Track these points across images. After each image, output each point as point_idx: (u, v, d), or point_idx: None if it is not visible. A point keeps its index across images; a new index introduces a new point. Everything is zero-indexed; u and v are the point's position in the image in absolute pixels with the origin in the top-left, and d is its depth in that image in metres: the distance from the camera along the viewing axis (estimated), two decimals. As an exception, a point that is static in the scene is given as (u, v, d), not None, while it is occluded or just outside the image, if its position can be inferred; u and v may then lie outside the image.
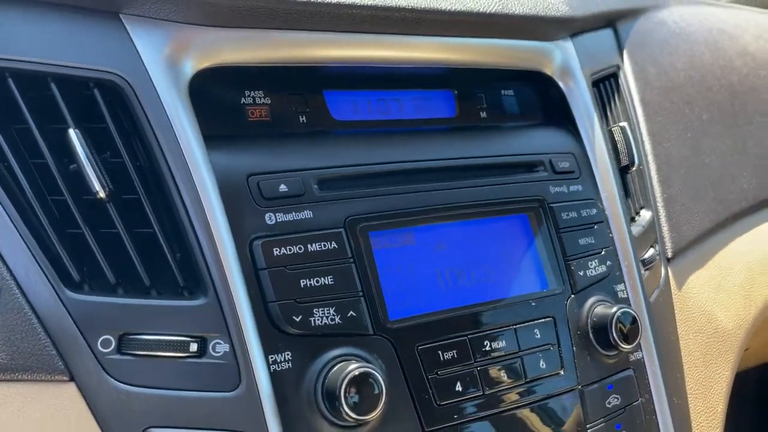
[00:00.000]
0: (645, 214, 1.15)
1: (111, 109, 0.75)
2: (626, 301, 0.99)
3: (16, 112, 0.72)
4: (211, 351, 0.72)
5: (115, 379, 0.70)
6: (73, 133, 0.72)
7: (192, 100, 0.77)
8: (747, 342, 1.27)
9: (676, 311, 1.13)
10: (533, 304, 0.90)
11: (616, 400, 0.93)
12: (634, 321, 0.93)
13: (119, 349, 0.71)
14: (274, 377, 0.73)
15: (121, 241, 0.73)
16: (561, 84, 1.04)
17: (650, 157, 1.22)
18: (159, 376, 0.71)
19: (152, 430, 0.70)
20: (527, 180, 0.97)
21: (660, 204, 1.19)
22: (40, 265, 0.70)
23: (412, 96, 0.96)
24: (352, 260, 0.80)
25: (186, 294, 0.74)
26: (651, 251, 1.10)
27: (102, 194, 0.73)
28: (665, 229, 1.18)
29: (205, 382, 0.71)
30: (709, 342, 1.16)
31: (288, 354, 0.74)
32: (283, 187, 0.79)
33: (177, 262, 0.74)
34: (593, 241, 0.99)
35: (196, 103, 0.77)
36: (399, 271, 0.84)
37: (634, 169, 1.13)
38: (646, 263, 1.07)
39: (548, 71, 1.04)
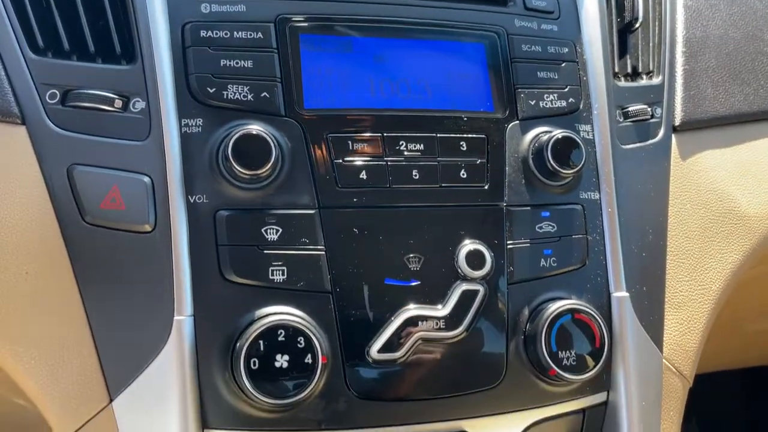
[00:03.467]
0: (654, 80, 1.08)
1: None
2: (590, 143, 0.95)
3: None
4: (131, 107, 0.83)
5: (55, 125, 0.83)
6: None
7: None
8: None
9: (673, 178, 1.05)
10: (465, 119, 0.90)
11: (550, 227, 0.89)
12: (576, 145, 0.89)
13: (62, 102, 0.84)
14: (184, 137, 0.82)
15: (77, 15, 0.86)
16: None
17: (680, 28, 1.14)
18: (88, 124, 0.82)
19: (77, 166, 0.81)
20: (491, 11, 0.96)
21: (679, 73, 1.11)
22: (13, 31, 0.85)
23: None
24: (275, 50, 0.86)
25: (123, 62, 0.85)
26: (641, 106, 1.03)
27: None
28: (679, 97, 1.10)
29: (122, 132, 0.82)
30: (714, 219, 1.06)
31: (199, 120, 0.83)
32: None
33: (117, 36, 0.86)
34: (556, 77, 0.96)
35: None
36: (326, 71, 0.88)
37: (637, 26, 1.07)
38: (629, 115, 1.01)
39: None
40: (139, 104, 0.83)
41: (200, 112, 0.83)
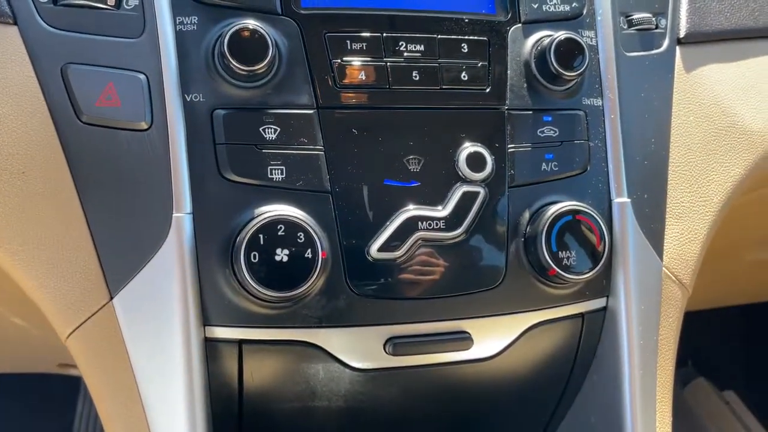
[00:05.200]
0: (658, -8, 1.06)
1: None
2: (593, 49, 0.93)
3: None
4: (124, 4, 0.81)
5: (47, 24, 0.81)
6: None
7: None
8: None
9: (677, 90, 1.03)
10: (467, 20, 0.88)
11: (551, 131, 0.88)
12: (579, 47, 0.87)
13: (54, 1, 0.82)
14: (179, 35, 0.80)
15: None
16: None
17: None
18: (81, 22, 0.81)
19: (69, 65, 0.80)
20: None
21: (685, -11, 1.09)
22: None
23: None
24: None
25: None
26: (645, 15, 1.01)
27: None
28: (684, 8, 1.07)
29: (116, 29, 0.80)
30: (717, 132, 1.05)
31: (195, 18, 0.81)
32: None
33: None
34: (558, -18, 0.93)
35: None
36: (324, -27, 0.87)
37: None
38: (633, 23, 0.99)
39: None
40: (133, 1, 0.81)
41: (195, 10, 0.81)
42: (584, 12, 0.94)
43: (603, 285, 0.89)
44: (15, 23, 0.82)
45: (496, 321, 0.85)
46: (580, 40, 0.88)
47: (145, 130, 0.79)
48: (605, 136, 0.92)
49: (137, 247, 0.78)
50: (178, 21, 0.81)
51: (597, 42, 0.94)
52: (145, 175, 0.79)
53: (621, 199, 0.91)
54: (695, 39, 1.08)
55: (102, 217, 0.79)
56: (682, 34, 1.06)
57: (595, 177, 0.90)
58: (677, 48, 1.05)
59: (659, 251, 0.95)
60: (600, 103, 0.92)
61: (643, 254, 0.92)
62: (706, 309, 2.05)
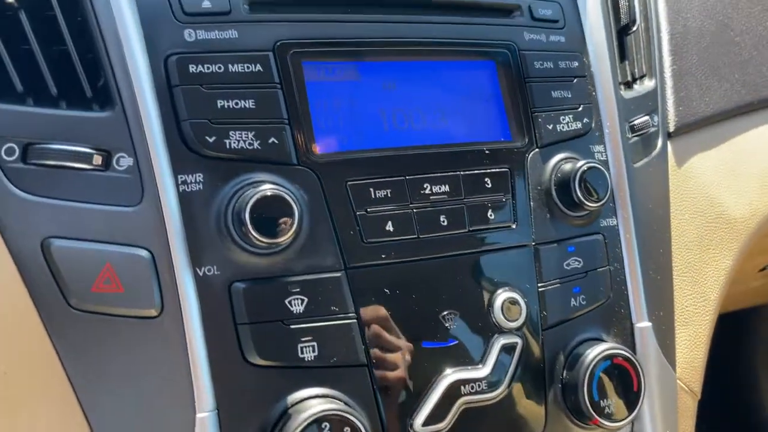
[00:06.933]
0: (648, 84, 1.04)
1: None
2: (605, 164, 0.90)
3: None
4: (115, 164, 0.69)
5: (18, 188, 0.67)
6: None
7: None
8: (762, 233, 1.16)
9: (671, 188, 1.03)
10: (487, 152, 0.82)
11: (576, 263, 0.85)
12: (603, 177, 0.84)
13: (23, 159, 0.68)
14: (183, 197, 0.69)
15: (31, 51, 0.70)
16: None
17: (663, 25, 1.10)
18: (61, 187, 0.68)
19: (51, 240, 0.67)
20: (500, 23, 0.88)
21: (668, 74, 1.08)
22: None
23: None
24: (278, 86, 0.74)
25: (95, 107, 0.70)
26: (645, 118, 0.99)
27: None
28: (671, 101, 1.07)
29: (107, 196, 0.68)
30: (709, 226, 1.06)
31: (199, 176, 0.70)
32: (206, 3, 0.74)
33: (85, 72, 0.70)
34: (569, 96, 0.89)
35: None
36: (335, 105, 0.78)
37: (634, 29, 1.02)
38: (635, 129, 0.97)
39: None
40: (125, 160, 0.69)
41: (199, 166, 0.71)
42: (593, 126, 0.91)
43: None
44: (-27, 185, 0.68)
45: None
46: (603, 168, 0.84)
47: (155, 317, 0.68)
48: (623, 257, 0.90)
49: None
50: (180, 180, 0.70)
51: (607, 156, 0.91)
52: (157, 368, 0.68)
53: (642, 324, 0.89)
54: (683, 131, 1.08)
55: (107, 423, 0.67)
56: (672, 128, 1.05)
57: (617, 303, 0.88)
58: (668, 143, 1.05)
59: (673, 364, 0.95)
60: (615, 223, 0.90)
61: (663, 374, 0.91)
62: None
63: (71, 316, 0.67)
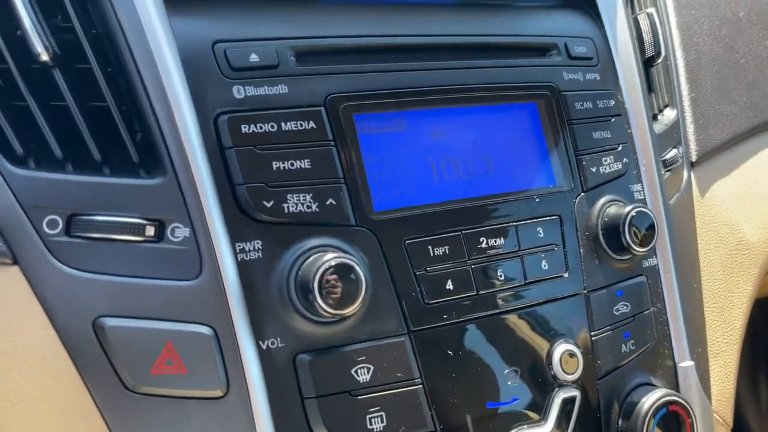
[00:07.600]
0: (669, 113, 1.04)
1: None
2: (643, 203, 0.90)
3: None
4: (169, 235, 0.65)
5: (63, 264, 0.63)
6: None
7: None
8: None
9: (696, 219, 1.04)
10: (537, 200, 0.81)
11: (625, 307, 0.85)
12: (651, 223, 0.84)
13: (67, 231, 0.63)
14: (242, 267, 0.66)
15: (70, 113, 0.65)
16: None
17: (678, 53, 1.11)
18: (111, 261, 0.63)
19: (103, 319, 0.63)
20: (538, 64, 0.86)
21: (687, 103, 1.08)
22: None
23: (411, -37, 0.84)
24: (332, 143, 0.71)
25: (143, 173, 0.66)
26: (673, 152, 0.99)
27: (45, 56, 0.64)
28: (691, 130, 1.07)
29: (162, 270, 0.64)
30: (730, 254, 1.07)
31: (258, 243, 0.67)
32: (254, 57, 0.70)
33: (132, 137, 0.66)
34: (609, 136, 0.89)
35: None
36: (387, 159, 0.75)
37: (659, 61, 1.01)
38: (667, 164, 0.97)
39: (567, -55, 0.91)
40: (181, 231, 0.65)
41: (257, 233, 0.67)
42: (631, 165, 0.90)
43: None
44: (15, 262, 0.63)
45: None
46: (651, 214, 0.84)
47: (221, 397, 0.64)
48: (664, 297, 0.89)
49: None
50: (238, 248, 0.66)
51: (644, 195, 0.91)
52: (224, 450, 0.64)
53: (685, 363, 0.89)
54: (703, 159, 1.09)
55: None
56: (694, 158, 1.06)
57: (662, 344, 0.88)
58: (692, 174, 1.05)
59: (709, 397, 0.96)
60: (656, 262, 0.89)
61: (704, 410, 0.92)
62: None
63: (129, 399, 0.63)
